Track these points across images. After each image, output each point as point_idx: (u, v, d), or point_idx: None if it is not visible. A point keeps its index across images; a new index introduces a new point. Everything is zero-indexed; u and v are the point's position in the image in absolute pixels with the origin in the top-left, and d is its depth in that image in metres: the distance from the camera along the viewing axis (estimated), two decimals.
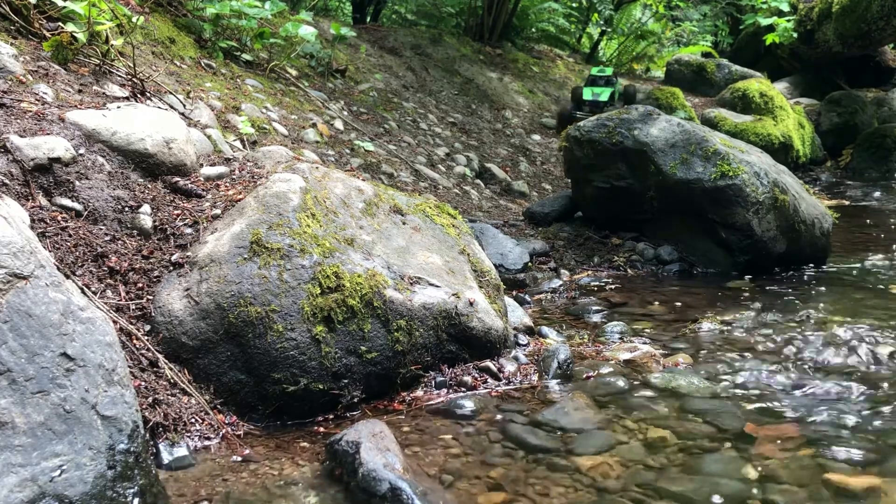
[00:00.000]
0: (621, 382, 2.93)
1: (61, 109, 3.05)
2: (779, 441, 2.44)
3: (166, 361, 2.45)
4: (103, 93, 3.60)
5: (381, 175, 5.59)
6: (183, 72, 5.06)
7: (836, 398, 2.79)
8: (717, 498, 2.11)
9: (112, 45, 3.98)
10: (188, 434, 2.32)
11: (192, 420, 2.36)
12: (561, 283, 4.63)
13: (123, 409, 1.98)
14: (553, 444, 2.42)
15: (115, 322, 2.39)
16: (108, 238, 2.70)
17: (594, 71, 8.86)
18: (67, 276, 2.25)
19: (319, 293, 2.58)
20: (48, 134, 2.81)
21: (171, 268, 2.69)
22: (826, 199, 7.58)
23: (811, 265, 5.06)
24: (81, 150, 2.87)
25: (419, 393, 2.75)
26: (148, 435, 2.17)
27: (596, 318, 3.93)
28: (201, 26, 5.86)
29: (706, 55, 11.71)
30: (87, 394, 1.91)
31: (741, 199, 4.68)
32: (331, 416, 2.58)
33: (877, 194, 8.03)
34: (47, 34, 3.77)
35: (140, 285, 2.62)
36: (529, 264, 4.82)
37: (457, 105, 8.23)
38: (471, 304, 2.89)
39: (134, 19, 4.13)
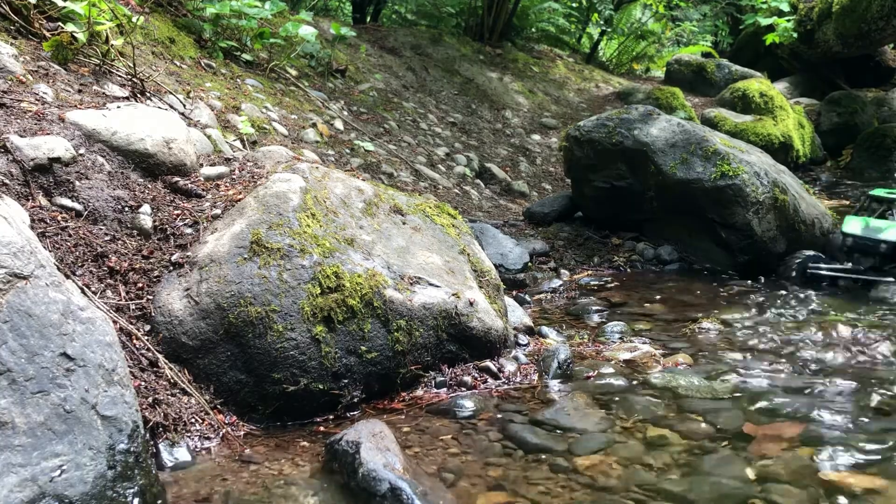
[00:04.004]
0: (621, 382, 2.93)
1: (61, 109, 3.05)
2: (778, 441, 2.44)
3: (166, 361, 2.45)
4: (103, 93, 3.60)
5: (381, 175, 5.59)
6: (183, 72, 5.06)
7: (836, 398, 2.79)
8: (716, 498, 2.11)
9: (112, 45, 3.98)
10: (188, 434, 2.32)
11: (193, 420, 2.37)
12: (561, 283, 4.63)
13: (123, 409, 1.98)
14: (553, 443, 2.42)
15: (115, 322, 2.39)
16: (108, 238, 2.70)
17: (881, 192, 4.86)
18: (67, 276, 2.25)
19: (319, 293, 2.58)
20: (48, 134, 2.81)
21: (171, 268, 2.69)
22: (826, 199, 7.58)
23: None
24: (81, 150, 2.87)
25: (419, 393, 2.75)
26: (148, 435, 2.17)
27: (596, 317, 3.93)
28: (201, 26, 5.86)
29: (706, 55, 11.69)
30: (87, 394, 1.91)
31: (741, 199, 4.68)
32: (331, 416, 2.58)
33: None
34: (47, 34, 3.77)
35: (140, 285, 2.62)
36: (529, 264, 4.82)
37: (457, 105, 8.23)
38: (471, 304, 2.89)
39: (134, 19, 4.13)
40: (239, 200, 2.92)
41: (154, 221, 2.84)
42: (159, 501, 1.99)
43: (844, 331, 3.52)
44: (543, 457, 2.34)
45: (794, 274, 4.46)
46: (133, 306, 2.55)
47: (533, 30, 11.34)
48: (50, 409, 1.83)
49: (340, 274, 2.64)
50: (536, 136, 8.28)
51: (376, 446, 2.10)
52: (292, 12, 7.83)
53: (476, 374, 2.87)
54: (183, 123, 3.37)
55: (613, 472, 2.25)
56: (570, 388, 2.87)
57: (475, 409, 2.65)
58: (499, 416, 2.62)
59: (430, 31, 9.80)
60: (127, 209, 2.84)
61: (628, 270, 4.95)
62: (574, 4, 11.83)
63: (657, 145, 4.97)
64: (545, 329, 3.47)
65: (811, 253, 4.52)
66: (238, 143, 4.33)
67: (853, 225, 4.39)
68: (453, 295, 2.87)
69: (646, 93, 9.41)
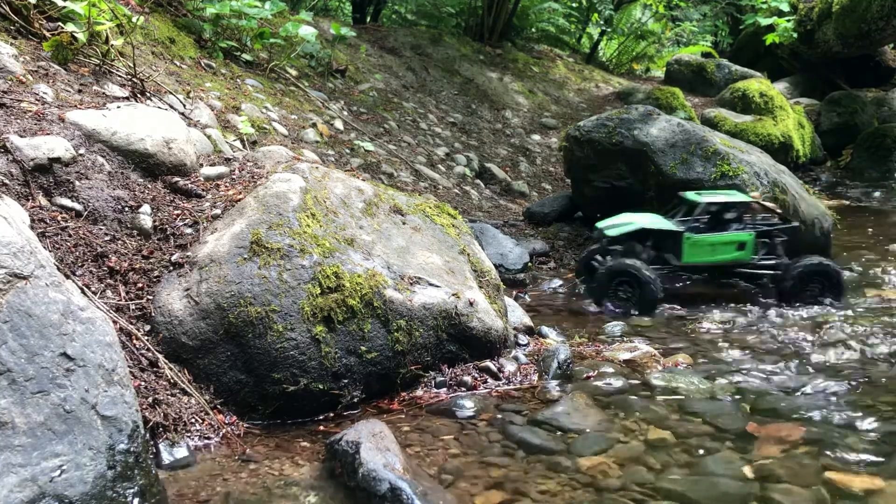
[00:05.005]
0: (621, 382, 2.93)
1: (61, 109, 3.05)
2: (778, 441, 2.44)
3: (166, 361, 2.45)
4: (103, 93, 3.60)
5: (381, 175, 5.59)
6: (183, 72, 5.06)
7: (836, 398, 2.79)
8: (716, 497, 2.11)
9: (112, 45, 3.97)
10: (188, 434, 2.32)
11: (192, 420, 2.36)
12: (561, 282, 4.63)
13: (123, 409, 1.98)
14: (553, 444, 2.42)
15: (115, 322, 2.39)
16: (108, 238, 2.70)
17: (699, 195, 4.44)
18: (67, 276, 2.25)
19: (319, 293, 2.58)
20: (48, 134, 2.81)
21: (171, 268, 2.69)
22: (826, 199, 7.58)
23: None
24: (81, 150, 2.87)
25: (419, 393, 2.75)
26: (148, 435, 2.17)
27: (596, 317, 3.93)
28: (201, 26, 5.86)
29: (706, 55, 11.68)
30: (87, 394, 1.91)
31: None
32: (331, 416, 2.58)
33: (877, 194, 8.03)
34: (47, 34, 3.77)
35: (140, 285, 2.62)
36: (529, 264, 4.82)
37: (457, 105, 8.22)
38: (471, 304, 2.89)
39: (134, 19, 4.13)
40: (239, 200, 2.92)
41: (154, 221, 2.84)
42: (159, 501, 1.99)
43: (843, 331, 3.52)
44: (543, 457, 2.34)
45: (581, 270, 4.49)
46: (133, 306, 2.55)
47: (533, 30, 11.34)
48: (50, 409, 1.83)
49: (340, 274, 2.64)
50: (536, 136, 8.28)
51: (376, 446, 2.10)
52: (292, 12, 7.83)
53: (476, 374, 2.86)
54: (183, 123, 3.37)
55: (613, 472, 2.25)
56: (570, 388, 2.87)
57: (475, 409, 2.65)
58: (499, 416, 2.62)
59: (430, 31, 9.79)
60: (127, 209, 2.84)
61: None
62: (574, 4, 11.83)
63: (657, 145, 4.97)
64: (545, 329, 3.47)
65: (598, 246, 4.48)
66: (238, 143, 4.33)
67: (607, 219, 4.40)
68: (453, 295, 2.87)
69: (646, 93, 9.41)
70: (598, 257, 4.38)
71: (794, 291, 4.09)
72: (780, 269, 4.22)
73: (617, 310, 4.01)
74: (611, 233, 4.27)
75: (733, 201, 4.35)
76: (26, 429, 1.78)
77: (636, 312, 3.98)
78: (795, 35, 10.09)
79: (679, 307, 4.08)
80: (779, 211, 4.46)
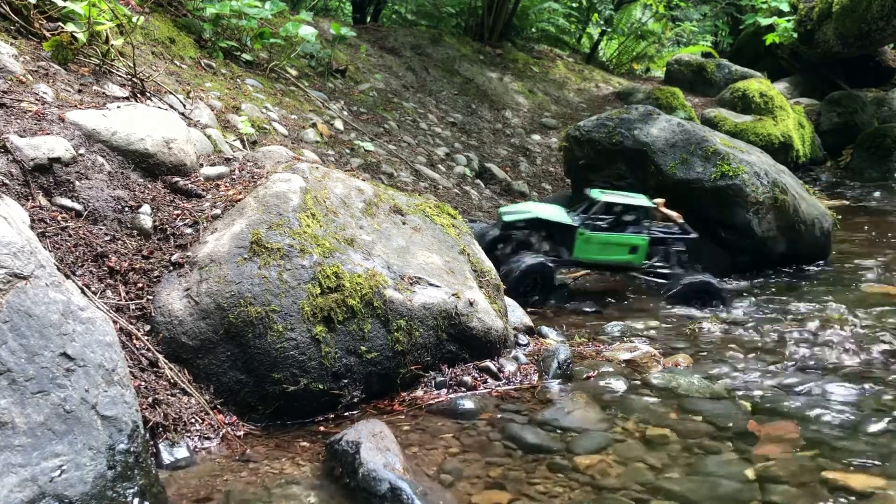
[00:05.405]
0: (621, 382, 2.93)
1: (61, 109, 3.05)
2: (778, 441, 2.44)
3: (166, 361, 2.45)
4: (103, 93, 3.60)
5: (381, 175, 5.59)
6: (183, 72, 5.06)
7: (836, 398, 2.79)
8: (716, 497, 2.11)
9: (112, 45, 3.97)
10: (188, 434, 2.32)
11: (192, 420, 2.37)
12: (560, 282, 4.62)
13: (123, 409, 1.98)
14: (553, 443, 2.42)
15: (115, 322, 2.39)
16: (108, 238, 2.70)
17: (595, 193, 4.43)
18: (67, 276, 2.25)
19: (319, 293, 2.58)
20: (48, 134, 2.81)
21: (171, 268, 2.69)
22: (826, 199, 7.57)
23: (811, 265, 5.06)
24: (81, 150, 2.87)
25: (419, 393, 2.75)
26: (148, 435, 2.17)
27: (596, 317, 3.93)
28: (201, 26, 5.86)
29: (706, 55, 11.67)
30: (87, 394, 1.91)
31: (741, 199, 4.68)
32: (331, 416, 2.58)
33: (877, 194, 8.03)
34: (47, 34, 3.77)
35: (140, 285, 2.62)
36: None
37: (457, 105, 8.22)
38: (471, 304, 2.89)
39: (134, 19, 4.13)
40: (239, 200, 2.92)
41: (154, 221, 2.84)
42: (159, 501, 1.99)
43: (844, 330, 3.52)
44: (543, 456, 2.34)
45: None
46: (133, 306, 2.55)
47: (533, 30, 11.33)
48: (50, 409, 1.83)
49: (340, 274, 2.64)
50: (536, 136, 8.28)
51: (376, 446, 2.10)
52: (292, 12, 7.83)
53: (476, 374, 2.86)
54: (183, 123, 3.37)
55: (613, 471, 2.25)
56: (570, 388, 2.87)
57: (475, 409, 2.65)
58: (499, 416, 2.62)
59: (430, 31, 9.79)
60: (127, 209, 2.84)
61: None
62: (574, 4, 11.82)
63: (657, 145, 4.97)
64: (545, 329, 3.47)
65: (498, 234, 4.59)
66: (238, 143, 4.33)
67: (510, 206, 4.56)
68: (453, 295, 2.87)
69: (646, 93, 9.40)
70: (500, 245, 4.41)
71: (676, 303, 4.14)
72: (668, 278, 4.28)
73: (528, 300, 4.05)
74: (507, 218, 4.29)
75: (632, 204, 4.33)
76: (26, 429, 1.78)
77: (539, 298, 4.08)
78: (795, 35, 10.08)
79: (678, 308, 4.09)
80: (680, 221, 4.44)
